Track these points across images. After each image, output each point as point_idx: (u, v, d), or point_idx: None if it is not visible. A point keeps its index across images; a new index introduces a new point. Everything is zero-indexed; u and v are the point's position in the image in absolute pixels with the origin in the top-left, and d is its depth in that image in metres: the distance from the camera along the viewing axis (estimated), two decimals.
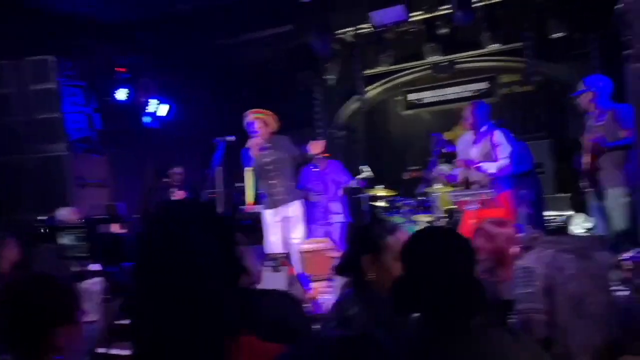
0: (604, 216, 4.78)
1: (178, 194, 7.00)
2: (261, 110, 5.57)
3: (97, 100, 6.52)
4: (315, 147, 5.52)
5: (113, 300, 2.97)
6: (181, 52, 7.16)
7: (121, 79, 6.91)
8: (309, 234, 6.61)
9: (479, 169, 5.13)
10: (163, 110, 7.36)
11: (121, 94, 6.82)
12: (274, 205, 5.54)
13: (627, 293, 3.71)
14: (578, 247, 2.80)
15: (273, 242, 5.54)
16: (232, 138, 5.49)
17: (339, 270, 2.32)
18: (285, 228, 5.53)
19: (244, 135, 5.75)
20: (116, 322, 3.04)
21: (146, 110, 7.25)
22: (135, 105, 7.05)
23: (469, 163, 5.19)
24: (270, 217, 5.58)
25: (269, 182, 5.54)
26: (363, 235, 2.29)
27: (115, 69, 6.86)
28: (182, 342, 1.00)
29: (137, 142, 7.22)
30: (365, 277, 2.15)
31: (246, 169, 5.69)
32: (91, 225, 2.85)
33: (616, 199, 4.58)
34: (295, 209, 5.54)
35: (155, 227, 1.10)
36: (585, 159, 4.81)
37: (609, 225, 4.69)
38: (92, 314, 3.29)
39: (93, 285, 3.94)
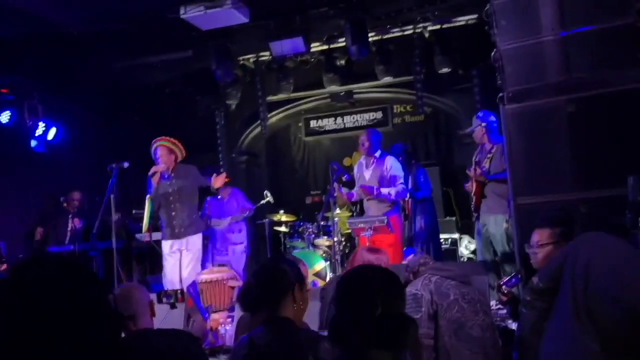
0: (487, 241, 5.17)
1: (75, 222, 6.63)
2: (166, 138, 5.49)
3: None
4: (218, 181, 5.50)
5: None
6: (72, 73, 6.82)
7: (4, 101, 6.42)
8: (210, 261, 6.53)
9: (379, 194, 5.42)
10: (52, 133, 6.94)
11: (4, 117, 6.34)
12: (172, 236, 5.42)
13: (504, 313, 4.06)
14: (460, 274, 3.03)
15: (170, 272, 5.41)
16: (126, 164, 5.32)
17: (249, 307, 2.33)
18: (182, 259, 5.42)
19: (144, 161, 5.60)
20: None
21: (34, 134, 6.78)
22: (20, 128, 6.57)
23: (369, 190, 5.45)
24: (168, 248, 5.45)
25: (170, 212, 5.43)
26: (278, 273, 2.29)
27: (1, 89, 6.37)
28: None
29: (21, 167, 6.73)
30: (282, 312, 2.17)
31: (147, 196, 5.53)
32: None
33: (498, 225, 4.98)
34: (194, 243, 5.45)
35: (17, 287, 1.08)
36: (472, 188, 5.20)
37: (492, 250, 5.10)
38: None
39: None
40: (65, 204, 6.73)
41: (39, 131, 6.79)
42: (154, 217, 5.65)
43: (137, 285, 2.90)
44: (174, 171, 5.42)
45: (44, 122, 6.82)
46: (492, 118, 5.19)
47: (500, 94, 3.86)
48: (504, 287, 3.46)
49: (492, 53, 3.98)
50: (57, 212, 6.76)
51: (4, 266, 5.42)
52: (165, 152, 5.40)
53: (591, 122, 3.45)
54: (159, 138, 5.47)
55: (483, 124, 5.16)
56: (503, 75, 3.87)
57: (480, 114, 5.32)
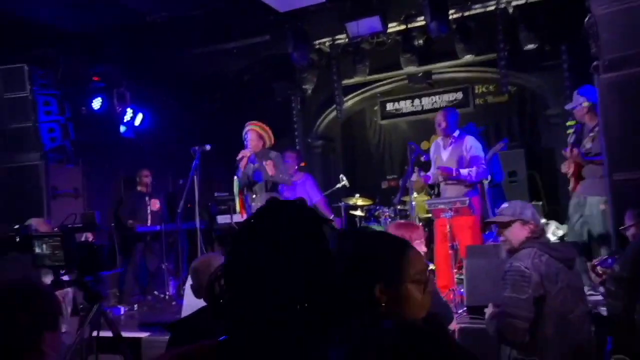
0: (581, 223, 4.86)
1: (153, 203, 6.88)
2: (258, 122, 5.58)
3: (70, 109, 6.43)
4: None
5: (87, 310, 2.91)
6: (156, 61, 7.11)
7: (96, 88, 6.83)
8: None
9: (458, 176, 5.21)
10: (139, 119, 7.30)
11: (96, 103, 6.74)
12: None
13: (599, 298, 3.81)
14: (568, 257, 2.80)
15: None
16: (208, 147, 5.48)
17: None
18: None
19: (225, 146, 5.75)
20: (93, 335, 2.97)
21: (123, 120, 7.17)
22: (110, 115, 6.96)
23: (448, 171, 5.25)
24: None
25: (251, 195, 5.56)
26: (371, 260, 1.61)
27: (93, 77, 6.78)
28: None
29: (111, 152, 7.13)
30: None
31: (235, 178, 5.69)
32: (67, 233, 2.80)
33: (595, 206, 4.66)
34: None
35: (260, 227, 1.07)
36: (569, 168, 4.87)
37: (585, 232, 4.79)
38: (63, 324, 3.21)
39: (63, 295, 3.87)
40: (139, 185, 6.91)
41: (127, 117, 7.16)
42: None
43: (216, 255, 2.96)
44: (259, 155, 5.53)
45: (131, 109, 7.17)
46: (595, 94, 4.70)
47: (595, 63, 3.60)
48: (598, 267, 3.25)
49: (586, 19, 3.71)
50: (133, 196, 6.91)
51: (99, 236, 5.73)
52: (254, 136, 5.50)
53: None
54: (251, 122, 5.57)
55: (586, 104, 4.66)
56: (598, 43, 3.61)
57: (581, 89, 4.80)
